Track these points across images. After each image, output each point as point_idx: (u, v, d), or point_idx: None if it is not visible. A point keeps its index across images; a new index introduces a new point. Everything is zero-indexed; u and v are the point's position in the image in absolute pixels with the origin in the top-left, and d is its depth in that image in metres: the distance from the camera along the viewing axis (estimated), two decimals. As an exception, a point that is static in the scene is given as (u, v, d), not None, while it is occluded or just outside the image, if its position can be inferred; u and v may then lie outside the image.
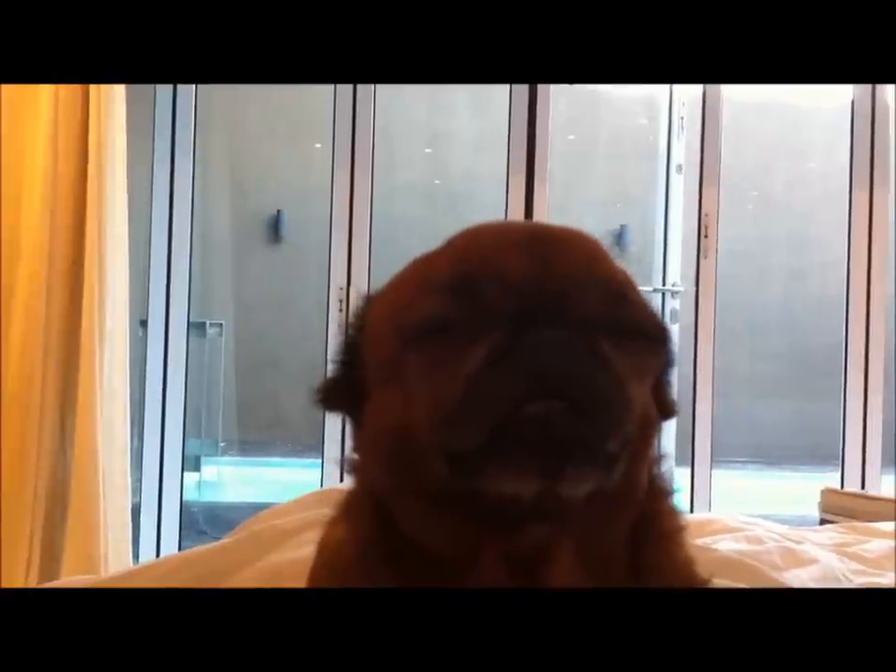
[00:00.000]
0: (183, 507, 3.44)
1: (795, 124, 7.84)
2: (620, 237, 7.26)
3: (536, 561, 0.72)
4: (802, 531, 2.25)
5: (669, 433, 0.78)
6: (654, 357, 0.76)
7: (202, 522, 4.96)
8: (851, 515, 2.70)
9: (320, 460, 3.42)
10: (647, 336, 0.74)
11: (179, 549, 3.19)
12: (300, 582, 0.85)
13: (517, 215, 3.43)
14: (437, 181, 7.82)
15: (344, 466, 0.81)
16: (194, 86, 3.43)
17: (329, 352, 3.28)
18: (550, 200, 3.49)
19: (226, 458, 6.90)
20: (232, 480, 6.94)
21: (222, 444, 6.83)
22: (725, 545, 1.87)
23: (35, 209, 2.91)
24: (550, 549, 0.72)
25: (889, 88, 3.68)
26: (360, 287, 3.34)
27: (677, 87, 4.59)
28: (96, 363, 2.89)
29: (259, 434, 7.26)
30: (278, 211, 7.37)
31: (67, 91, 2.91)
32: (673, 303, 4.44)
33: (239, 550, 1.51)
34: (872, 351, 3.63)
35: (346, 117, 3.42)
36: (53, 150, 2.90)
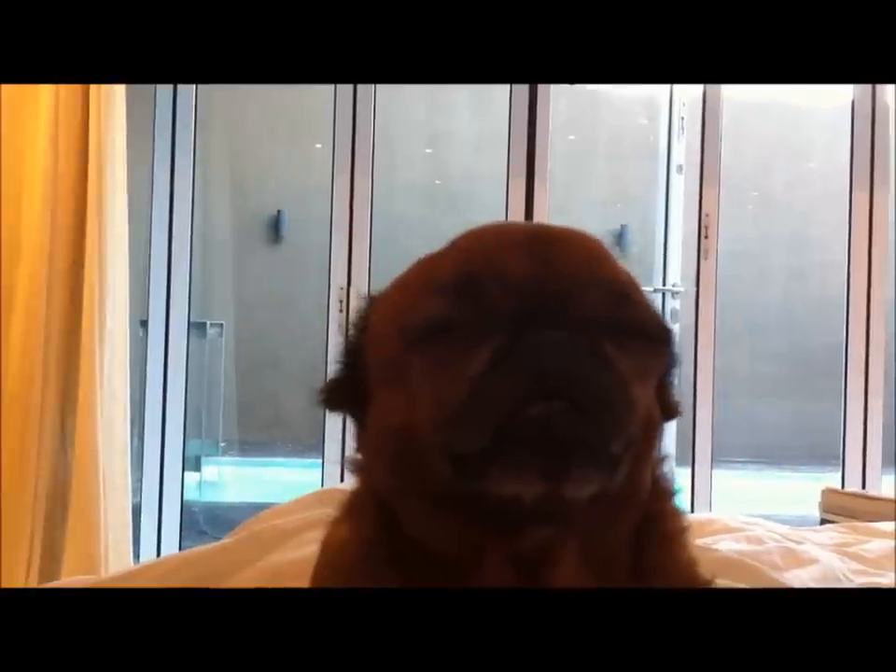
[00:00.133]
0: (183, 507, 3.44)
1: (795, 124, 7.84)
2: (620, 237, 7.26)
3: (539, 562, 0.72)
4: (802, 531, 2.25)
5: (670, 433, 0.78)
6: (657, 357, 0.75)
7: (202, 522, 4.96)
8: (852, 515, 2.70)
9: (321, 460, 3.42)
10: (650, 337, 0.74)
11: (180, 549, 3.19)
12: (300, 582, 0.85)
13: (517, 215, 3.43)
14: (437, 181, 7.82)
15: (347, 466, 0.81)
16: (194, 86, 3.43)
17: (329, 352, 3.29)
18: (550, 200, 3.49)
19: (226, 458, 6.90)
20: (233, 480, 6.94)
21: (223, 444, 6.83)
22: (726, 545, 1.87)
23: (35, 209, 2.91)
24: (553, 550, 0.72)
25: (890, 88, 3.68)
26: (360, 287, 3.34)
27: (677, 87, 4.59)
28: (96, 363, 2.89)
29: (259, 434, 7.26)
30: (278, 211, 7.38)
31: (67, 91, 2.91)
32: (673, 304, 4.44)
33: (239, 550, 1.51)
34: (872, 351, 3.63)
35: (346, 117, 3.42)
36: (54, 150, 2.90)
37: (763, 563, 1.68)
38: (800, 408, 7.58)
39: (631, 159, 7.34)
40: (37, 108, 2.91)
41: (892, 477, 3.69)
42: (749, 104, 6.68)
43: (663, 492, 0.80)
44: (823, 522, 2.78)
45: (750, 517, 2.33)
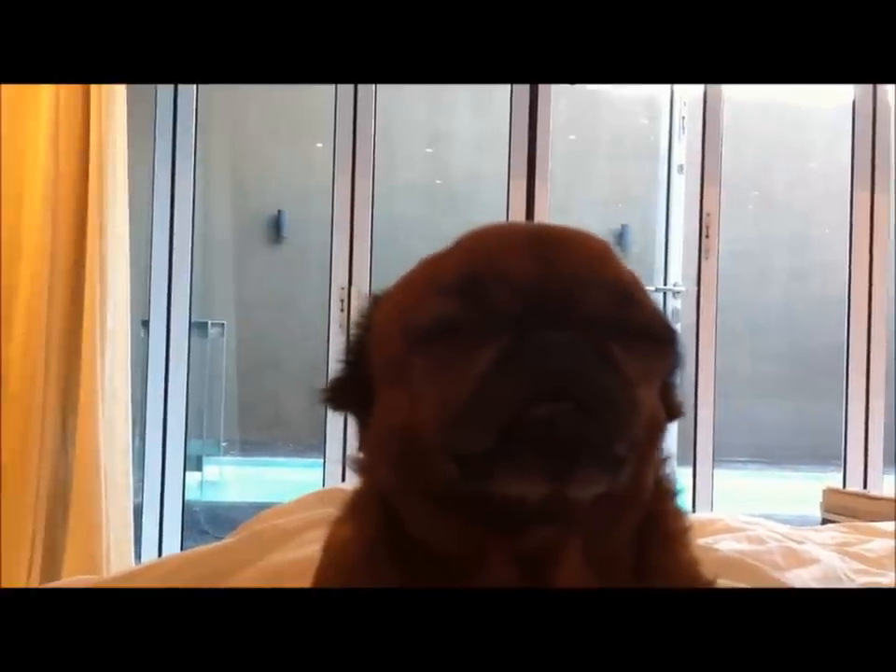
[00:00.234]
0: (185, 507, 3.44)
1: (796, 124, 7.84)
2: (621, 237, 7.26)
3: (542, 562, 0.72)
4: (803, 531, 2.25)
5: (671, 433, 0.78)
6: (662, 359, 0.75)
7: (203, 522, 4.96)
8: (853, 515, 2.70)
9: (322, 460, 3.42)
10: (655, 338, 0.74)
11: (181, 549, 3.19)
12: (301, 582, 0.85)
13: (518, 215, 3.43)
14: (438, 181, 7.82)
15: (350, 465, 0.81)
16: (195, 86, 3.43)
17: (330, 352, 3.29)
18: (551, 200, 3.49)
19: (228, 458, 6.91)
20: (234, 480, 6.95)
21: (224, 444, 6.83)
22: (727, 545, 1.87)
23: (36, 209, 2.91)
24: (556, 550, 0.72)
25: (890, 88, 3.68)
26: (361, 287, 3.34)
27: (678, 87, 4.59)
28: (98, 363, 2.89)
29: (260, 434, 7.26)
30: (279, 211, 7.38)
31: (68, 92, 2.91)
32: (674, 303, 4.44)
33: (241, 550, 1.51)
34: (873, 351, 3.63)
35: (347, 117, 3.42)
36: (54, 150, 2.90)
37: (765, 563, 1.67)
38: (801, 408, 7.58)
39: (632, 159, 7.34)
40: (38, 108, 2.91)
41: (893, 477, 3.69)
42: (749, 104, 6.68)
43: (665, 492, 0.80)
44: (824, 521, 2.78)
45: (752, 517, 2.33)
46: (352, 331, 0.82)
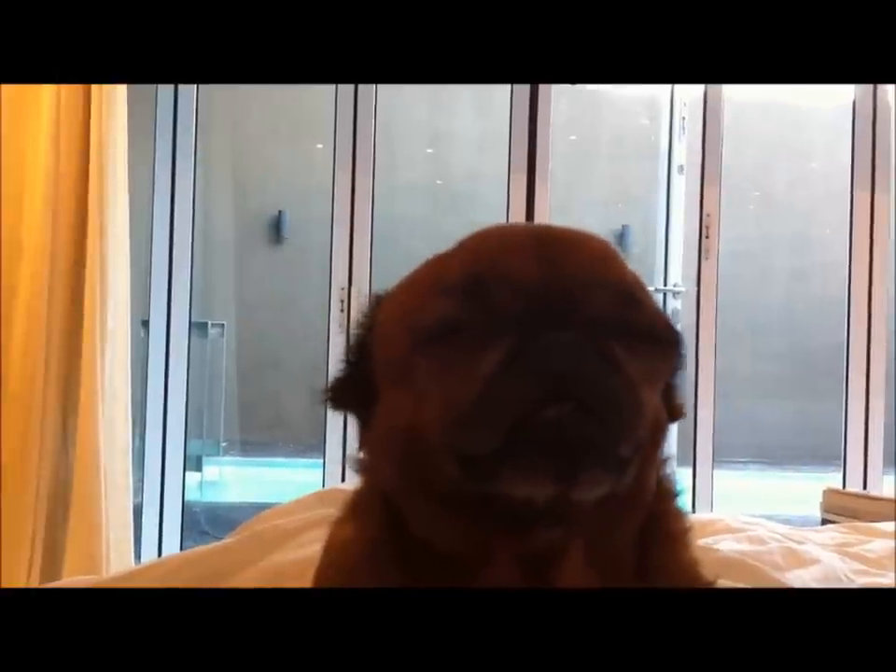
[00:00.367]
0: (185, 507, 3.44)
1: (796, 124, 7.84)
2: (621, 237, 7.27)
3: (545, 562, 0.72)
4: (804, 531, 2.25)
5: (671, 434, 0.78)
6: (666, 360, 0.75)
7: (203, 522, 4.96)
8: (853, 515, 2.70)
9: (322, 460, 3.42)
10: (658, 339, 0.74)
11: (181, 549, 3.19)
12: (302, 582, 0.85)
13: (518, 215, 3.43)
14: (438, 181, 7.82)
15: (351, 465, 0.81)
16: (196, 86, 3.43)
17: (330, 352, 3.29)
18: (551, 200, 3.49)
19: (228, 458, 6.90)
20: (234, 480, 6.95)
21: (224, 444, 6.83)
22: (727, 545, 1.87)
23: (36, 209, 2.91)
24: (559, 550, 0.72)
25: (891, 88, 3.68)
26: (362, 287, 3.34)
27: (678, 87, 4.59)
28: (98, 363, 2.89)
29: (260, 434, 7.26)
30: (280, 211, 7.38)
31: (69, 92, 2.91)
32: (674, 304, 4.44)
33: (241, 550, 1.51)
34: (873, 351, 3.63)
35: (348, 117, 3.42)
36: (55, 150, 2.90)
37: (765, 563, 1.67)
38: (801, 408, 7.58)
39: (632, 159, 7.35)
40: (39, 108, 2.91)
41: (893, 477, 3.69)
42: (750, 104, 6.68)
43: (666, 493, 0.80)
44: (825, 522, 2.77)
45: (752, 517, 2.33)
46: (354, 331, 0.82)
